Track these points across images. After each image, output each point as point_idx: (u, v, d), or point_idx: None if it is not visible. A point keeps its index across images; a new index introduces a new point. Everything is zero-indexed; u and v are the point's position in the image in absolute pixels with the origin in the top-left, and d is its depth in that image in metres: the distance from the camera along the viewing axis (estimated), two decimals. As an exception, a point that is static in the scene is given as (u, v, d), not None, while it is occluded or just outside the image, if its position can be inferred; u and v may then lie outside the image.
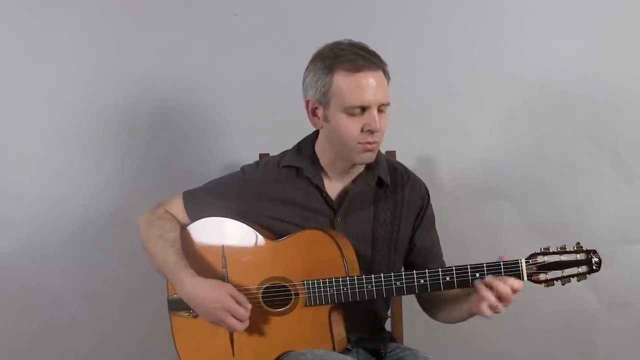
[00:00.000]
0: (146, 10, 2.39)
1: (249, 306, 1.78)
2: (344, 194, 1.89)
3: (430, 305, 1.91)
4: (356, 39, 1.82)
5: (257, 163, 2.00)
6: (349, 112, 1.76)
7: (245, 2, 2.41)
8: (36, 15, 2.37)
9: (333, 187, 1.89)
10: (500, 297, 1.64)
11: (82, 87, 2.40)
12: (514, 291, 1.65)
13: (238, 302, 1.77)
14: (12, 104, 2.39)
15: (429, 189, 1.98)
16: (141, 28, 2.40)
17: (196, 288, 1.79)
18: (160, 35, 2.40)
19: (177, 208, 1.94)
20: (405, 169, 1.97)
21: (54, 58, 2.38)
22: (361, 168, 1.89)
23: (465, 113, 2.41)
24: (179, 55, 2.40)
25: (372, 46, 1.80)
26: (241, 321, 1.77)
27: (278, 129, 2.34)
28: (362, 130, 1.77)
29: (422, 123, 2.38)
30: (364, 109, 1.76)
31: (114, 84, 2.40)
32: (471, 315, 1.74)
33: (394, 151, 2.26)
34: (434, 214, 1.97)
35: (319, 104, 1.81)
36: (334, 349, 1.76)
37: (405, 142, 2.24)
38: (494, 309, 1.65)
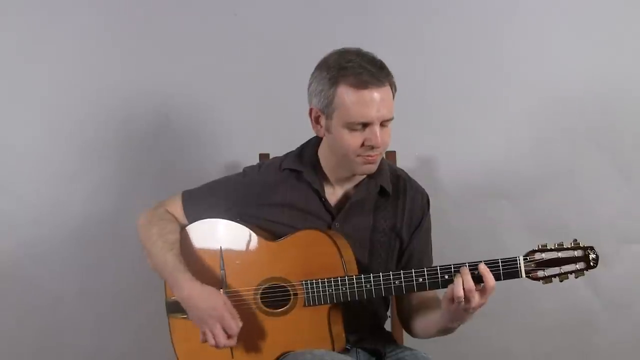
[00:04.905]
0: (146, 10, 2.40)
1: (240, 323, 1.77)
2: (344, 200, 1.87)
3: (409, 316, 1.89)
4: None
5: (259, 165, 1.99)
6: (351, 127, 1.74)
7: (245, 2, 2.41)
8: (36, 16, 2.38)
9: (333, 193, 1.88)
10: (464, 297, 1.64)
11: (83, 87, 2.40)
12: (481, 290, 1.64)
13: (231, 315, 1.76)
14: (13, 104, 2.39)
15: (429, 189, 1.97)
16: (141, 28, 2.40)
17: (193, 292, 1.78)
18: (160, 35, 2.40)
19: (176, 208, 1.93)
20: (408, 177, 1.95)
21: (54, 58, 2.39)
22: (363, 175, 1.87)
23: (465, 113, 2.41)
24: (179, 55, 2.40)
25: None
26: (229, 336, 1.76)
27: (278, 129, 2.35)
28: (362, 145, 1.75)
29: (422, 123, 2.38)
30: (365, 125, 1.74)
31: (115, 84, 2.41)
32: (445, 319, 1.72)
33: (394, 151, 2.26)
34: (430, 224, 1.95)
35: (321, 114, 1.79)
36: (333, 349, 1.76)
37: (405, 142, 2.23)
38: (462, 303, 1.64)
